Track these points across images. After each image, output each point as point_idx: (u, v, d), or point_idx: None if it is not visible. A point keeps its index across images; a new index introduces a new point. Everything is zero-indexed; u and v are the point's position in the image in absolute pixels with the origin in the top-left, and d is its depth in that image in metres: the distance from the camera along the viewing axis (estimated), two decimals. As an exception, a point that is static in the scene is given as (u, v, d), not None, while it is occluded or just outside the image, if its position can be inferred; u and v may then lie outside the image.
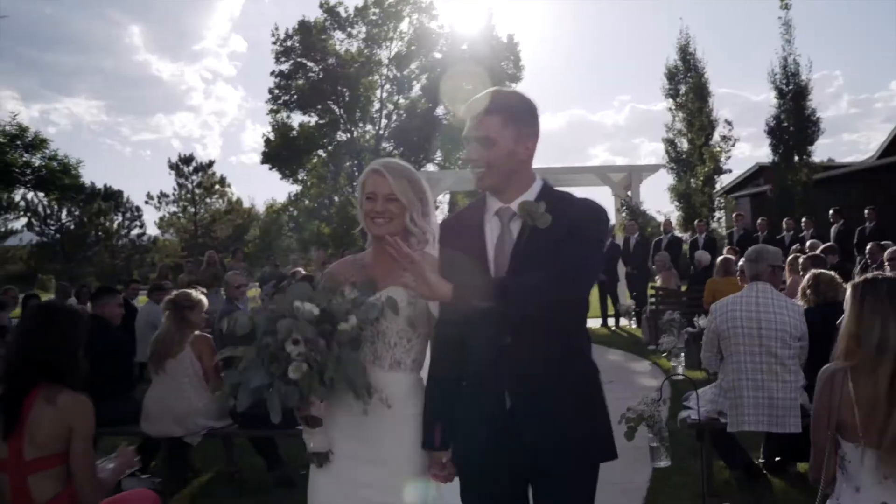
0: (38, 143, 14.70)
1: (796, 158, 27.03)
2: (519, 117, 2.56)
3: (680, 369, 7.26)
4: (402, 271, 2.53)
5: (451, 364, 2.66)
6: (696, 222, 16.51)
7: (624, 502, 5.24)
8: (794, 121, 27.14)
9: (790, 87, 27.66)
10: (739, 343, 4.89)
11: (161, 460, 5.99)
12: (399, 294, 2.71)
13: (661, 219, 29.72)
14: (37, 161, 14.54)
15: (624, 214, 17.38)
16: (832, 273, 5.54)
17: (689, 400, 5.34)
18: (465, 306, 2.40)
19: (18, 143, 14.41)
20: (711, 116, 33.40)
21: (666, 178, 34.21)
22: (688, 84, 33.50)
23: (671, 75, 34.01)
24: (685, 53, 33.90)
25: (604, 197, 18.17)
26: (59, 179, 15.43)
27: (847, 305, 2.95)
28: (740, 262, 6.31)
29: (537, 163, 2.70)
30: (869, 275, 2.97)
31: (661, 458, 4.68)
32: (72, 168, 16.21)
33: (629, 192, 17.96)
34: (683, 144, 34.21)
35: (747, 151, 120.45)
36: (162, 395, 5.56)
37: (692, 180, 33.07)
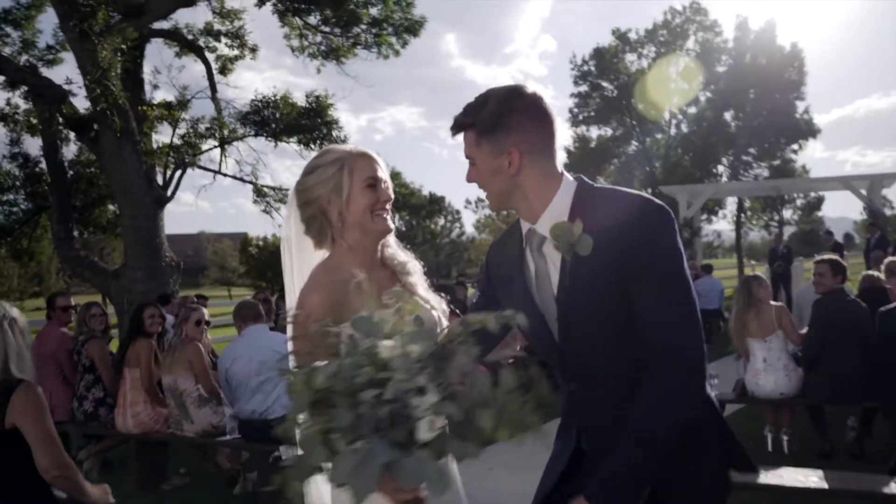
0: (394, 176, 20.03)
1: None
2: (491, 126, 1.99)
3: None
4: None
5: None
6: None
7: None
8: None
9: None
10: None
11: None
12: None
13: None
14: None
15: (865, 216, 19.51)
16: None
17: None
18: None
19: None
20: None
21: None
22: None
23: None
24: None
25: (849, 200, 20.07)
26: (408, 200, 20.88)
27: None
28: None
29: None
30: None
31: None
32: (418, 192, 21.85)
33: (870, 198, 19.94)
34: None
35: None
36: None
37: None
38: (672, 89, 38.55)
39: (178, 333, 6.35)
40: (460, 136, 2.07)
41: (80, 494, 3.37)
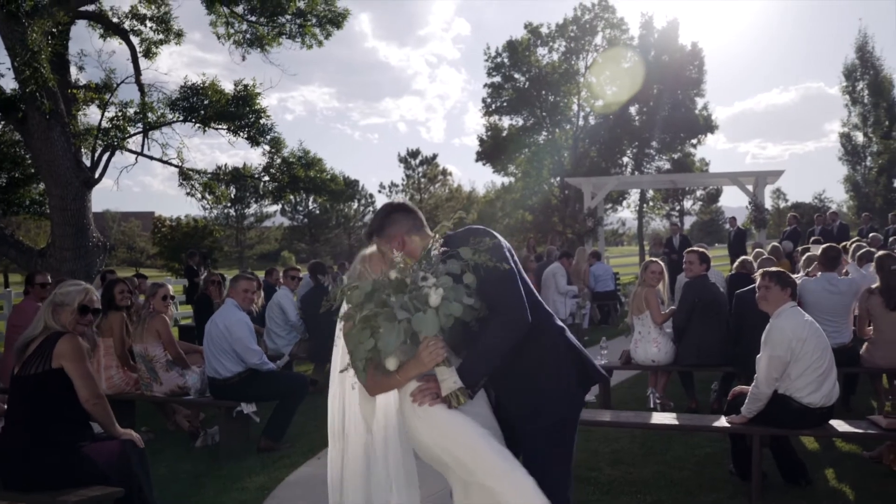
0: (315, 162, 20.50)
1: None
2: (380, 228, 3.28)
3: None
4: None
5: None
6: (815, 216, 20.18)
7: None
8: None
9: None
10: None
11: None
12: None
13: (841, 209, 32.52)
14: (312, 173, 20.37)
15: (750, 210, 21.40)
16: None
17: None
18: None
19: (303, 161, 20.31)
20: (895, 110, 35.46)
21: (841, 170, 36.77)
22: (865, 80, 35.82)
23: (848, 73, 36.45)
24: (863, 52, 36.13)
25: (735, 195, 21.58)
26: (328, 186, 21.36)
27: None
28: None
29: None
30: None
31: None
32: (337, 177, 22.43)
33: (755, 193, 21.81)
34: (858, 138, 36.64)
35: None
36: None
37: (866, 172, 35.40)
38: (580, 83, 40.50)
39: (146, 307, 7.22)
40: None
41: (110, 423, 4.37)
